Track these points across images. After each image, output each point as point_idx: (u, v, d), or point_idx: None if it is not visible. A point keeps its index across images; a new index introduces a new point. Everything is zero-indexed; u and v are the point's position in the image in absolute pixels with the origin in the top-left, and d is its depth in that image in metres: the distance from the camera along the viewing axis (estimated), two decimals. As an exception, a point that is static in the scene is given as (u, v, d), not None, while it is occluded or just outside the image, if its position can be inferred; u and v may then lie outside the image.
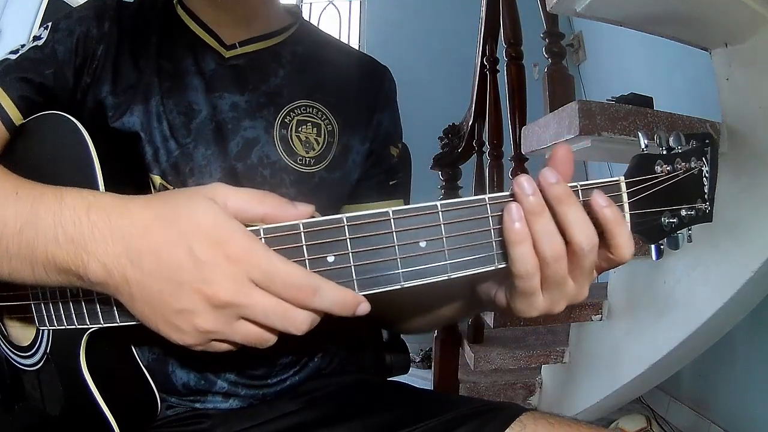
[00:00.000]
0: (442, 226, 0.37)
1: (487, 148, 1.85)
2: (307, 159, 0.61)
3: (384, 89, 0.70)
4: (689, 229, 0.42)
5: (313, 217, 0.37)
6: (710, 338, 1.32)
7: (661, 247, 0.41)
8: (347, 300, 0.35)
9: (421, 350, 2.78)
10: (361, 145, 0.65)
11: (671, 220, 0.40)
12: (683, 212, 0.41)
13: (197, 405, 0.60)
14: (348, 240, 0.36)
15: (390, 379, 0.81)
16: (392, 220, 0.37)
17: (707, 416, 1.74)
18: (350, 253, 0.36)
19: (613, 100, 1.36)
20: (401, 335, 0.87)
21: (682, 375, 1.80)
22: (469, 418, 0.54)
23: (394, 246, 0.37)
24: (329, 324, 0.67)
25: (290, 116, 0.61)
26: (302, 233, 0.36)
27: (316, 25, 0.75)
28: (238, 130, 0.60)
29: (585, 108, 1.14)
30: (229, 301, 0.34)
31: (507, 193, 0.38)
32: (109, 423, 0.48)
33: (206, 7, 0.63)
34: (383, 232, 0.37)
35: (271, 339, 0.37)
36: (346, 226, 0.36)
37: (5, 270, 0.40)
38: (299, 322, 0.35)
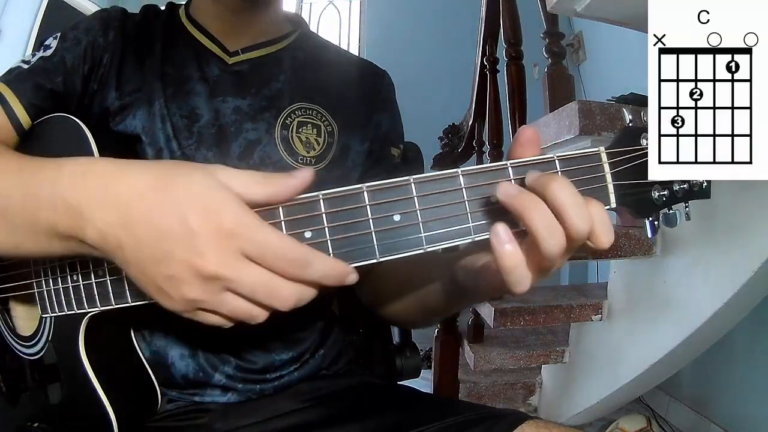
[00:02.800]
0: (416, 199, 0.37)
1: (487, 148, 1.85)
2: (308, 158, 0.63)
3: (382, 91, 0.71)
4: (686, 206, 0.40)
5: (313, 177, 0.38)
6: (710, 338, 1.32)
7: (656, 223, 0.41)
8: (337, 270, 0.36)
9: (421, 350, 2.78)
10: (360, 145, 0.66)
11: (662, 193, 0.40)
12: (676, 186, 0.40)
13: (197, 398, 0.61)
14: (324, 215, 0.37)
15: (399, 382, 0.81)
16: (365, 193, 0.37)
17: (707, 416, 1.74)
18: (326, 228, 0.37)
19: (613, 100, 1.36)
20: (411, 338, 0.87)
21: (682, 375, 1.80)
22: (471, 425, 0.54)
23: (368, 220, 0.37)
24: (333, 321, 0.67)
25: (291, 118, 0.63)
26: (280, 208, 0.37)
27: (316, 25, 0.76)
28: (241, 132, 0.62)
29: (585, 108, 1.14)
30: (215, 274, 0.34)
31: (480, 166, 0.38)
32: (107, 410, 0.49)
33: (211, 17, 0.66)
34: (357, 206, 0.37)
35: (259, 315, 0.37)
36: (321, 201, 0.37)
37: (11, 243, 0.41)
38: (284, 298, 0.36)
